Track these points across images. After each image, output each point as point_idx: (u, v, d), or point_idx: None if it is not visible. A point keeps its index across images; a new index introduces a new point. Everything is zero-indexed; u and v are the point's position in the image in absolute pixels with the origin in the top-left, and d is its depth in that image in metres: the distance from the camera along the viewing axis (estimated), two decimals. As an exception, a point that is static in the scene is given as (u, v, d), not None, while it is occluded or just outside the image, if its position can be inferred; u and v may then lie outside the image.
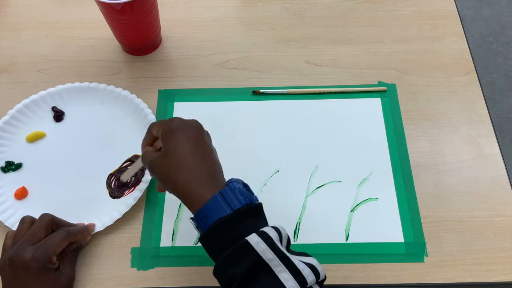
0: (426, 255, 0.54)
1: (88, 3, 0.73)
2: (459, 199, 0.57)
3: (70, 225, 0.53)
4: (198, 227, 0.43)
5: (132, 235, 0.55)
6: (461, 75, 0.68)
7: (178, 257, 0.54)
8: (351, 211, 0.57)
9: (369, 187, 0.58)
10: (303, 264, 0.39)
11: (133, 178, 0.58)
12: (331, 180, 0.59)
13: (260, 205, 0.43)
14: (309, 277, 0.39)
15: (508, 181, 0.58)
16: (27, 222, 0.51)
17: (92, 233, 0.54)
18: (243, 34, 0.73)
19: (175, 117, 0.46)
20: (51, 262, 0.47)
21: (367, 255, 0.54)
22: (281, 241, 0.40)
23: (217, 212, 0.40)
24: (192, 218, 0.44)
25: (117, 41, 0.70)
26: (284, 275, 0.38)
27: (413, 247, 0.54)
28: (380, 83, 0.67)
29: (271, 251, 0.38)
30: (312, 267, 0.40)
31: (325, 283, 0.42)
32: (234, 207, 0.40)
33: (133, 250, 0.54)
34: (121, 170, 0.59)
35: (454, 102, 0.65)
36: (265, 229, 0.40)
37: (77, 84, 0.64)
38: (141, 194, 0.56)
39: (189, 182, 0.42)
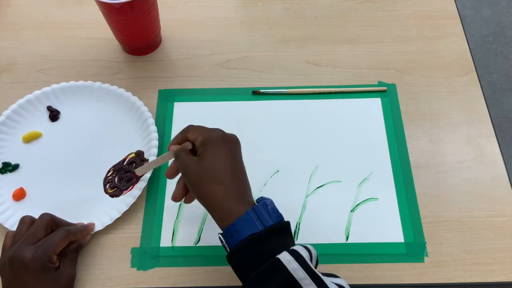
0: (426, 255, 0.54)
1: (88, 3, 0.73)
2: (459, 199, 0.57)
3: (69, 224, 0.53)
4: (227, 243, 0.42)
5: (132, 235, 0.55)
6: (461, 75, 0.68)
7: (178, 257, 0.54)
8: (351, 211, 0.57)
9: (369, 187, 0.58)
10: (334, 285, 0.39)
11: (135, 166, 0.58)
12: (331, 180, 0.59)
13: (289, 223, 0.43)
14: None
15: (508, 181, 0.58)
16: (26, 222, 0.51)
17: (92, 233, 0.54)
18: (243, 34, 0.73)
19: (217, 129, 0.46)
20: (52, 261, 0.47)
21: (367, 255, 0.54)
22: (311, 260, 0.40)
23: (249, 227, 0.40)
24: (221, 234, 0.43)
25: (117, 41, 0.70)
26: None
27: (413, 247, 0.54)
28: (380, 83, 0.67)
29: (303, 270, 0.38)
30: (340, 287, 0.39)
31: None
32: (267, 224, 0.40)
33: (133, 250, 0.54)
34: (119, 167, 0.59)
35: (454, 102, 0.65)
36: (296, 247, 0.39)
37: (72, 83, 0.64)
38: (140, 192, 0.56)
39: (223, 195, 0.42)
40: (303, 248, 0.40)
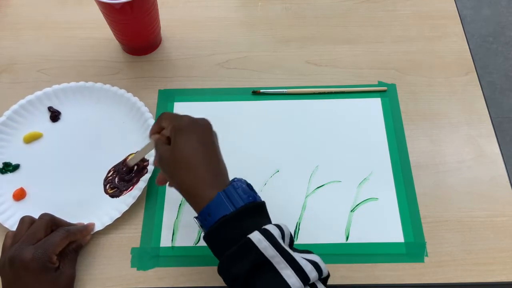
0: (426, 255, 0.54)
1: (88, 3, 0.73)
2: (459, 199, 0.57)
3: (69, 224, 0.53)
4: (202, 225, 0.43)
5: (132, 235, 0.55)
6: (461, 75, 0.68)
7: (178, 257, 0.54)
8: (351, 211, 0.57)
9: (369, 187, 0.58)
10: (305, 261, 0.40)
11: (135, 167, 0.58)
12: (331, 180, 0.59)
13: (263, 203, 0.44)
14: (312, 273, 0.39)
15: (508, 181, 0.58)
16: (26, 222, 0.51)
17: (92, 233, 0.54)
18: (243, 34, 0.73)
19: (186, 115, 0.47)
20: (51, 261, 0.47)
21: (367, 255, 0.54)
22: (283, 238, 0.41)
23: (220, 210, 0.41)
24: (196, 217, 0.44)
25: (117, 41, 0.70)
26: (286, 272, 0.38)
27: (413, 247, 0.54)
28: (380, 83, 0.67)
29: (273, 248, 0.39)
30: (314, 264, 0.40)
31: (325, 283, 0.43)
32: (237, 205, 0.41)
33: (133, 250, 0.54)
34: (120, 167, 0.59)
35: (454, 102, 0.65)
36: (267, 226, 0.40)
37: (73, 83, 0.64)
38: (140, 193, 0.56)
39: (195, 182, 0.43)
40: (275, 227, 0.40)
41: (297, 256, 0.40)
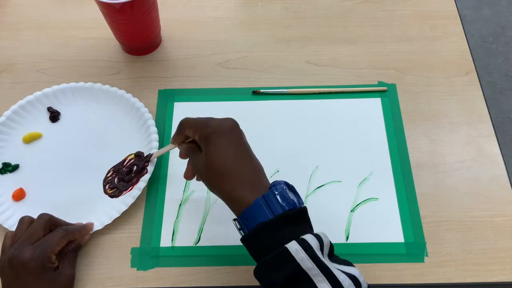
0: (426, 255, 0.54)
1: (88, 3, 0.73)
2: (459, 199, 0.57)
3: (68, 224, 0.53)
4: (240, 228, 0.43)
5: (132, 235, 0.55)
6: (461, 75, 0.68)
7: (178, 257, 0.54)
8: (351, 211, 0.57)
9: (369, 187, 0.58)
10: (344, 275, 0.38)
11: (134, 167, 0.58)
12: (331, 180, 0.59)
13: (304, 209, 0.42)
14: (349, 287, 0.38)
15: (508, 181, 0.58)
16: (26, 222, 0.51)
17: (91, 232, 0.54)
18: (243, 34, 0.73)
19: (211, 119, 0.45)
20: (50, 261, 0.47)
21: (367, 255, 0.54)
22: (322, 249, 0.40)
23: (258, 216, 0.40)
24: (235, 220, 0.44)
25: (117, 41, 0.70)
26: (323, 286, 0.37)
27: (413, 247, 0.54)
28: (380, 83, 0.67)
29: (311, 260, 0.38)
30: (353, 278, 0.39)
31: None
32: (276, 212, 0.40)
33: (133, 250, 0.54)
34: (119, 168, 0.59)
35: (454, 102, 0.65)
36: (305, 236, 0.39)
37: (72, 84, 0.64)
38: (139, 193, 0.56)
39: (233, 188, 0.42)
40: (313, 237, 0.39)
41: (335, 270, 0.39)
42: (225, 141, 0.44)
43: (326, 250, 0.41)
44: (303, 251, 0.38)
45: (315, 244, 0.39)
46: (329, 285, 0.37)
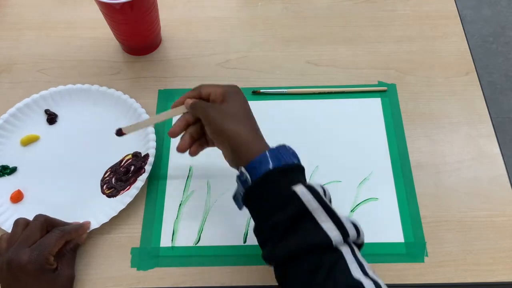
0: (426, 255, 0.54)
1: (88, 3, 0.73)
2: (459, 199, 0.57)
3: (65, 224, 0.53)
4: (244, 182, 0.43)
5: (132, 235, 0.55)
6: (461, 75, 0.68)
7: (178, 257, 0.54)
8: (351, 211, 0.57)
9: (369, 187, 0.58)
10: (346, 218, 0.41)
11: (132, 167, 0.58)
12: (331, 180, 0.59)
13: (304, 169, 0.45)
14: (351, 230, 0.40)
15: (508, 181, 0.58)
16: (20, 224, 0.50)
17: (88, 231, 0.54)
18: (243, 34, 0.73)
19: (229, 85, 0.51)
20: (48, 263, 0.47)
21: (367, 255, 0.53)
22: (324, 196, 0.42)
23: (273, 161, 0.42)
24: (238, 175, 0.44)
25: (117, 41, 0.70)
26: (327, 225, 0.39)
27: (413, 247, 0.54)
28: (380, 83, 0.67)
29: (317, 202, 0.40)
30: (354, 225, 0.41)
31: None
32: (290, 161, 0.43)
33: (133, 250, 0.54)
34: (116, 168, 0.59)
35: (454, 102, 0.65)
36: (312, 183, 0.42)
37: (69, 86, 0.64)
38: (137, 192, 0.56)
39: (246, 132, 0.46)
40: (319, 185, 0.42)
41: (339, 213, 0.41)
42: (243, 98, 0.49)
43: (328, 199, 0.43)
44: (309, 193, 0.40)
45: (320, 190, 0.41)
46: (333, 224, 0.39)
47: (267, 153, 0.43)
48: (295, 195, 0.40)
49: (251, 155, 0.43)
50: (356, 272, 0.38)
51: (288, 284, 0.41)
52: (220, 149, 0.48)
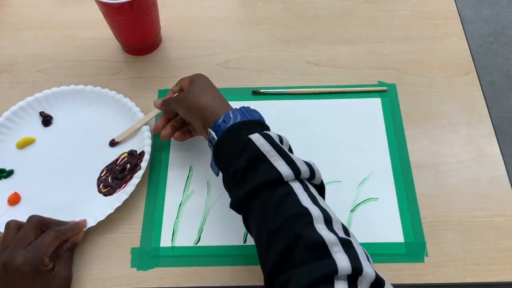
0: (426, 255, 0.54)
1: (88, 3, 0.73)
2: (459, 199, 0.57)
3: (60, 223, 0.52)
4: (213, 139, 0.48)
5: (132, 235, 0.55)
6: (461, 75, 0.68)
7: (178, 257, 0.54)
8: (351, 211, 0.57)
9: (369, 187, 0.58)
10: (299, 159, 0.44)
11: (128, 165, 0.58)
12: (331, 180, 0.59)
13: (267, 125, 0.49)
14: (302, 167, 0.43)
15: (508, 181, 0.58)
16: (12, 226, 0.50)
17: (85, 229, 0.53)
18: (243, 34, 0.73)
19: (196, 73, 0.57)
20: (44, 264, 0.47)
21: (367, 255, 0.54)
22: (281, 143, 0.46)
23: (235, 118, 0.47)
24: (209, 137, 0.49)
25: (117, 41, 0.70)
26: (278, 163, 0.43)
27: (413, 247, 0.54)
28: (380, 83, 0.67)
29: (270, 145, 0.44)
30: (307, 164, 0.44)
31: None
32: (252, 117, 0.48)
33: (133, 250, 0.54)
34: (112, 167, 0.59)
35: (454, 102, 0.65)
36: (269, 132, 0.47)
37: (63, 87, 0.64)
38: (133, 188, 0.56)
39: (213, 100, 0.51)
40: (275, 134, 0.47)
41: (291, 154, 0.45)
42: (203, 77, 0.56)
43: (285, 146, 0.46)
44: (263, 138, 0.44)
45: (275, 137, 0.46)
46: (284, 162, 0.43)
47: (230, 112, 0.48)
48: (250, 141, 0.44)
49: (217, 118, 0.48)
50: (306, 202, 0.41)
51: (249, 224, 0.45)
52: (195, 128, 0.54)
